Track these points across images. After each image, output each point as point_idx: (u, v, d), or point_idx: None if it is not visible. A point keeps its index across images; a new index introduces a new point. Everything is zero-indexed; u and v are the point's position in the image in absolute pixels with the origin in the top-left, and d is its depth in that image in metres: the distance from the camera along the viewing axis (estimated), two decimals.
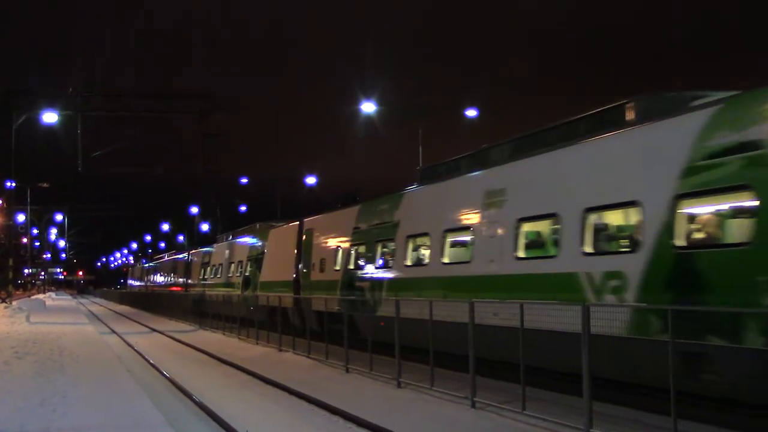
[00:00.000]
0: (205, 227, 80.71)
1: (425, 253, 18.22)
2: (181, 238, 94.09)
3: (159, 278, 68.29)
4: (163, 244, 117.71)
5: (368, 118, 35.55)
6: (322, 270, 24.62)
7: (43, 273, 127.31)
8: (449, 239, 17.10)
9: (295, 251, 27.72)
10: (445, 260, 16.92)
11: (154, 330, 35.36)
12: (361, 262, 21.64)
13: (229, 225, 61.31)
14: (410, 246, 18.82)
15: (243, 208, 76.38)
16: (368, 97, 34.20)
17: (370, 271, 20.86)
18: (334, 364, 18.67)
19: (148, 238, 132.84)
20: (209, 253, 46.56)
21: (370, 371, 16.69)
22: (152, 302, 55.75)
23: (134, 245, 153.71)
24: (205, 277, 45.37)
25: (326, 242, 24.60)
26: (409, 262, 18.76)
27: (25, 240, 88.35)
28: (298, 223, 28.25)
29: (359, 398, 13.87)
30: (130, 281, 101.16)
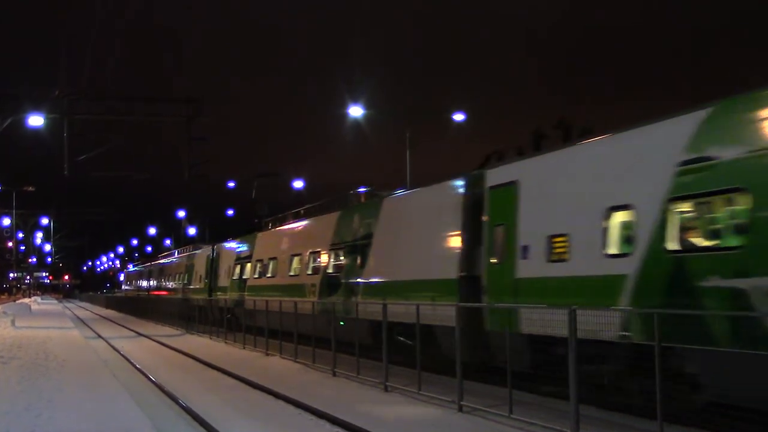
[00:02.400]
0: (192, 231, 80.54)
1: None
2: (168, 241, 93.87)
3: (170, 280, 53.42)
4: (149, 248, 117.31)
5: (356, 122, 35.50)
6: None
7: (28, 277, 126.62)
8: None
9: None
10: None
11: (140, 334, 35.21)
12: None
13: (216, 228, 61.12)
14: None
15: (230, 212, 76.26)
16: (356, 101, 34.18)
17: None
18: (321, 368, 18.64)
19: (135, 242, 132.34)
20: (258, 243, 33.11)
21: (357, 375, 16.67)
22: (139, 307, 55.39)
23: (120, 249, 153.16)
24: (248, 275, 32.77)
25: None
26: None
27: (10, 244, 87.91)
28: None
29: (346, 402, 13.83)
30: (125, 285, 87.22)
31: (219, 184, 59.63)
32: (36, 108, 32.09)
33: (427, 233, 17.76)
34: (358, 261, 21.33)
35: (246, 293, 31.56)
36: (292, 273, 26.84)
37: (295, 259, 26.70)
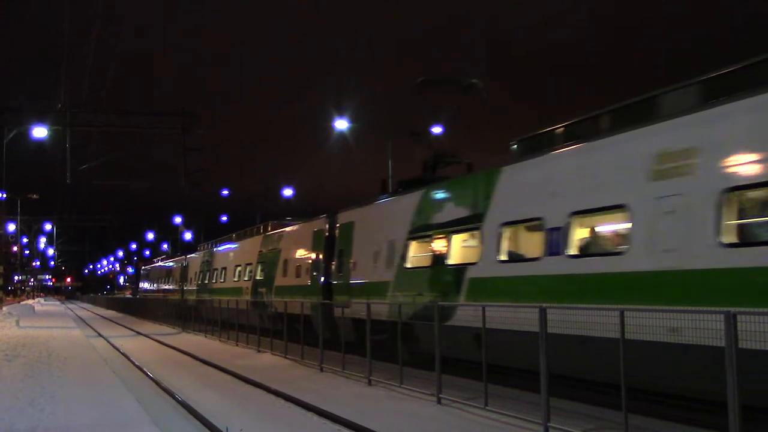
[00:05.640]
0: (188, 236, 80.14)
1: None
2: (165, 246, 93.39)
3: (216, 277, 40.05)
4: (147, 252, 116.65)
5: (341, 134, 35.45)
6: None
7: (32, 280, 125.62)
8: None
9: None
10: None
11: (138, 333, 34.97)
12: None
13: (210, 234, 60.73)
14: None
15: (224, 218, 76.13)
16: (341, 114, 34.14)
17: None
18: (309, 363, 18.59)
19: (134, 246, 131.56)
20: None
21: (343, 370, 16.64)
22: (139, 307, 55.02)
23: (120, 253, 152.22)
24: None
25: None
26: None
27: (15, 248, 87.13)
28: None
29: (332, 395, 13.81)
30: (144, 284, 71.00)
31: (213, 191, 59.51)
32: (39, 120, 31.89)
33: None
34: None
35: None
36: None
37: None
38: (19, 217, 71.26)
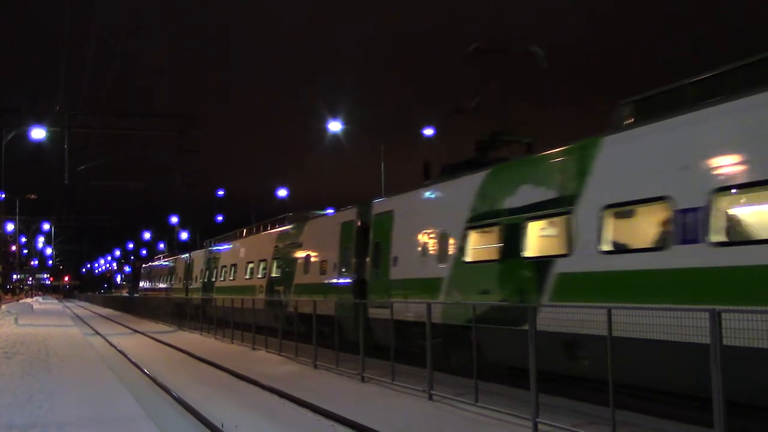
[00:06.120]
0: (184, 235, 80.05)
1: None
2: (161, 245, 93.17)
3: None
4: (144, 251, 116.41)
5: (336, 136, 35.53)
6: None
7: (30, 278, 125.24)
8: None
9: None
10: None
11: (135, 331, 34.91)
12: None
13: (206, 234, 60.59)
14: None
15: (219, 218, 76.07)
16: (335, 116, 34.21)
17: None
18: (303, 360, 18.60)
19: (131, 245, 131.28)
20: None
21: (337, 367, 16.66)
22: (136, 306, 54.87)
23: (117, 252, 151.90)
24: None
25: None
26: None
27: (14, 248, 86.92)
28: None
29: (326, 392, 13.82)
30: (145, 283, 65.02)
31: (209, 192, 59.44)
32: (38, 122, 31.83)
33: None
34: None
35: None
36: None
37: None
38: (17, 217, 71.19)
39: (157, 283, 55.73)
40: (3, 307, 43.27)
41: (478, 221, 14.26)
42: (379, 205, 19.03)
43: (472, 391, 11.77)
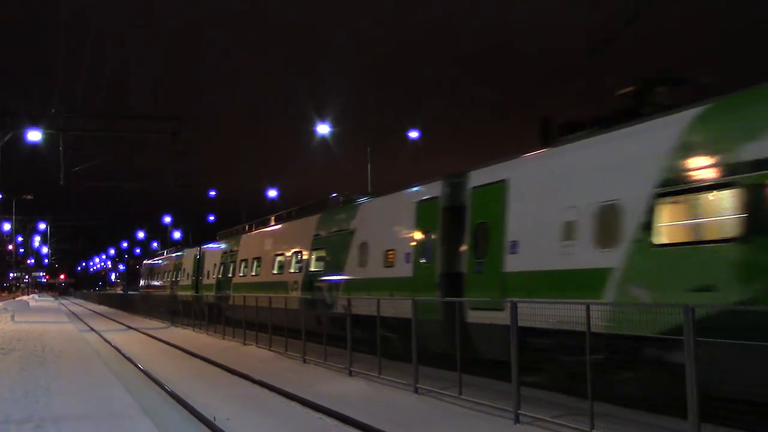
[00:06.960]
0: (176, 234, 79.94)
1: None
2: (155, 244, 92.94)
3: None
4: (138, 250, 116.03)
5: (323, 138, 35.54)
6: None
7: (27, 277, 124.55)
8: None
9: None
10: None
11: (130, 327, 34.80)
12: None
13: (199, 233, 60.53)
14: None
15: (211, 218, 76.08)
16: (323, 119, 34.21)
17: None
18: (292, 355, 18.63)
19: (125, 244, 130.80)
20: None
21: (325, 362, 16.69)
22: (130, 303, 54.59)
23: (112, 251, 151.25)
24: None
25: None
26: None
27: (10, 247, 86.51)
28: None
29: (314, 386, 13.86)
30: (146, 280, 57.78)
31: (202, 192, 59.25)
32: (34, 124, 31.66)
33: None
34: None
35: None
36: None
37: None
38: (14, 217, 70.85)
39: (160, 280, 49.84)
40: (0, 304, 43.00)
41: (678, 186, 9.77)
42: (482, 174, 14.20)
43: (456, 384, 11.80)
